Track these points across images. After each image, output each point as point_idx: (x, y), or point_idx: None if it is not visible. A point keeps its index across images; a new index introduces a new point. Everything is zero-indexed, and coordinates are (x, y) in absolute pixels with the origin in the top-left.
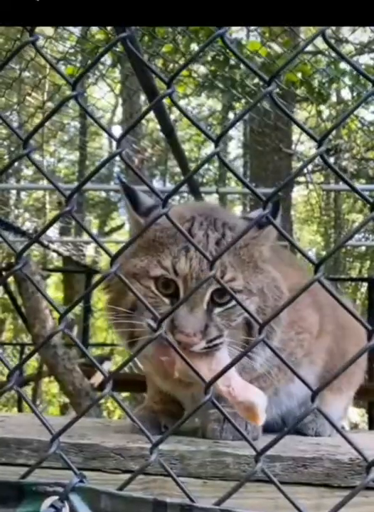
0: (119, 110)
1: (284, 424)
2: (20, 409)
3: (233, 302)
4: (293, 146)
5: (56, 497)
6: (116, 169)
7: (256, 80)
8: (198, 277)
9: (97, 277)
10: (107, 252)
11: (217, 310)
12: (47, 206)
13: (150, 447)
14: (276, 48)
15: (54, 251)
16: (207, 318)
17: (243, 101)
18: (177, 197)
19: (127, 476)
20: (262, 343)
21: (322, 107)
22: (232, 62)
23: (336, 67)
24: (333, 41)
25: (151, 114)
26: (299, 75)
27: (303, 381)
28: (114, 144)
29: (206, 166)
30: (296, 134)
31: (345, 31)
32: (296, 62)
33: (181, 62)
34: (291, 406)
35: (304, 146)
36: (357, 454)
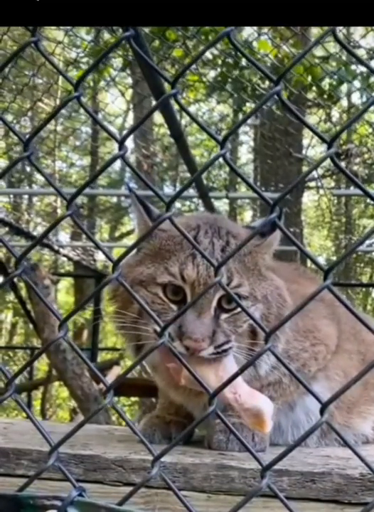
0: (131, 116)
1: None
2: (29, 416)
3: (240, 308)
4: (303, 151)
5: (54, 511)
6: (127, 175)
7: (267, 83)
8: (205, 283)
9: (107, 288)
10: (108, 257)
11: (224, 316)
12: (59, 211)
13: (152, 460)
14: (286, 49)
15: (64, 256)
16: (214, 323)
17: (253, 105)
18: (187, 202)
19: (129, 489)
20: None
21: (333, 111)
22: (243, 63)
23: (347, 69)
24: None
25: (162, 119)
26: (309, 78)
27: (310, 391)
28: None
29: (217, 171)
30: (306, 138)
31: (357, 36)
32: (306, 66)
33: (192, 67)
34: (309, 427)
35: (315, 150)
36: (368, 469)
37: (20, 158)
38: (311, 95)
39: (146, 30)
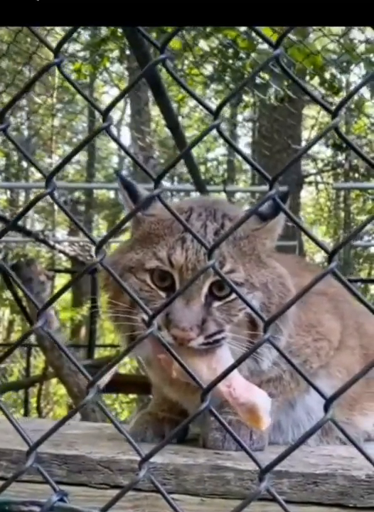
0: (128, 109)
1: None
2: (26, 413)
3: (234, 296)
4: (302, 144)
5: None
6: (125, 169)
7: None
8: (194, 269)
9: (100, 277)
10: (92, 240)
11: (217, 304)
12: (55, 207)
13: (139, 461)
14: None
15: (60, 251)
16: (205, 312)
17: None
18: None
19: (116, 492)
20: (267, 342)
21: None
22: (242, 55)
23: (351, 54)
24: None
25: (160, 115)
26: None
27: (314, 386)
28: (124, 142)
29: (215, 166)
30: (307, 129)
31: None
32: (307, 53)
33: (190, 59)
34: (310, 426)
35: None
36: None
37: (43, 195)
38: (313, 83)
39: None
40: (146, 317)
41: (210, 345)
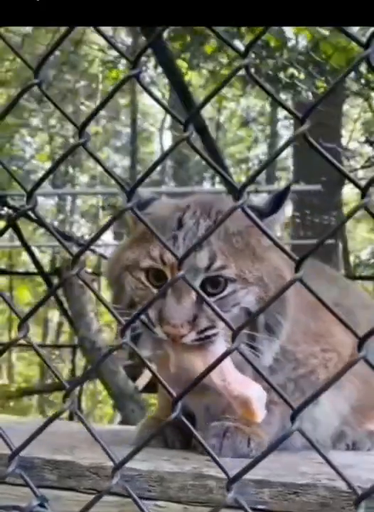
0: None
1: None
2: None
3: (226, 292)
4: (342, 141)
5: None
6: (166, 174)
7: (302, 75)
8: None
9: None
10: (68, 251)
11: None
12: (100, 212)
13: (112, 468)
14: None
15: (100, 255)
16: (196, 308)
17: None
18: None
19: (105, 497)
20: (267, 338)
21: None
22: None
23: None
24: None
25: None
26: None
27: (281, 396)
28: (166, 148)
29: (256, 165)
30: (347, 131)
31: None
32: (339, 47)
33: (225, 60)
34: (318, 438)
35: (356, 144)
36: (362, 480)
37: (77, 145)
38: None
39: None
40: (144, 317)
41: (203, 341)
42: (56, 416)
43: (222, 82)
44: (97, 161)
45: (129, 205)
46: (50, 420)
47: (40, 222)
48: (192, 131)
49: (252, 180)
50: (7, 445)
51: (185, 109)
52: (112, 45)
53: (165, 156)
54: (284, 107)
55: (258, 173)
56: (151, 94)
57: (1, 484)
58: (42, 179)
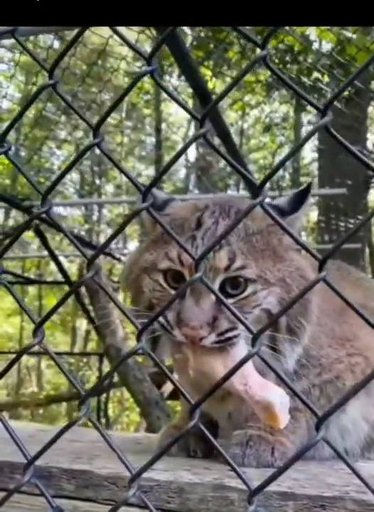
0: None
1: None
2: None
3: (246, 292)
4: (367, 144)
5: None
6: (191, 182)
7: (326, 78)
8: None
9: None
10: (83, 254)
11: (229, 301)
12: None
13: (129, 479)
14: (347, 34)
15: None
16: (216, 309)
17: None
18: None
19: (123, 508)
20: (289, 341)
21: None
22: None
23: None
24: None
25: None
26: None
27: (305, 402)
28: (190, 157)
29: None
30: (372, 133)
31: None
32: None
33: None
34: (347, 447)
35: None
36: None
37: (91, 145)
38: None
39: (201, 34)
40: (163, 320)
41: (223, 343)
42: (70, 426)
43: (242, 72)
44: (114, 163)
45: (145, 205)
46: (64, 430)
47: (58, 228)
48: (208, 128)
49: (270, 176)
50: (23, 454)
51: (210, 116)
52: (127, 44)
53: (181, 154)
54: (305, 99)
55: (277, 169)
56: (165, 90)
57: (19, 493)
58: (56, 181)
